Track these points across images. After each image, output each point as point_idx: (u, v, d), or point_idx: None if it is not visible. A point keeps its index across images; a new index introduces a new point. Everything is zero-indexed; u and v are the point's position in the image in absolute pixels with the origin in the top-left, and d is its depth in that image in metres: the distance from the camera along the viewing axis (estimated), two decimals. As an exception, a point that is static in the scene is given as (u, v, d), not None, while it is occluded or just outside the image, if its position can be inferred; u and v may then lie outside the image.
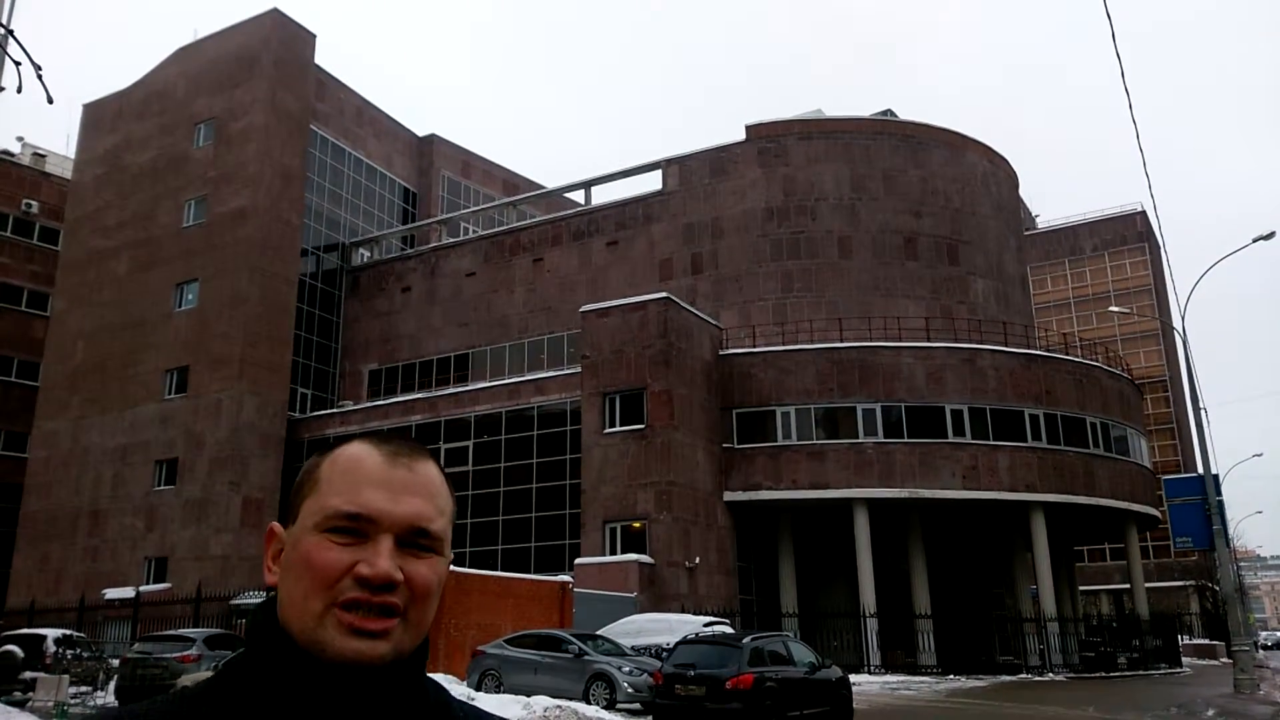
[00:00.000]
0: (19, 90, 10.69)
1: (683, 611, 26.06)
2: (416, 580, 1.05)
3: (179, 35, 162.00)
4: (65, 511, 40.53)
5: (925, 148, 40.22)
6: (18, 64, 10.62)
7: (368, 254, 47.90)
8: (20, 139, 55.66)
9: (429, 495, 1.10)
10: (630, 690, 17.32)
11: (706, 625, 21.29)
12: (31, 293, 50.31)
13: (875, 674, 28.89)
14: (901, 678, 28.41)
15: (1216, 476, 25.27)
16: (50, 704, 16.82)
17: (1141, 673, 32.86)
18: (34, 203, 51.42)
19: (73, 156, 48.98)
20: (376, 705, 1.04)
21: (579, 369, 33.33)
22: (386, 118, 50.80)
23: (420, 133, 52.97)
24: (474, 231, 47.92)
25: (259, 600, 30.00)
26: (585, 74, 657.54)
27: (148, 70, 46.44)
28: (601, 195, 45.08)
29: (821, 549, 35.66)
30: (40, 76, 10.80)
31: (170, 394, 39.83)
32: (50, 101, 11.28)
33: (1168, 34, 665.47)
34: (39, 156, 54.71)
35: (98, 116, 47.01)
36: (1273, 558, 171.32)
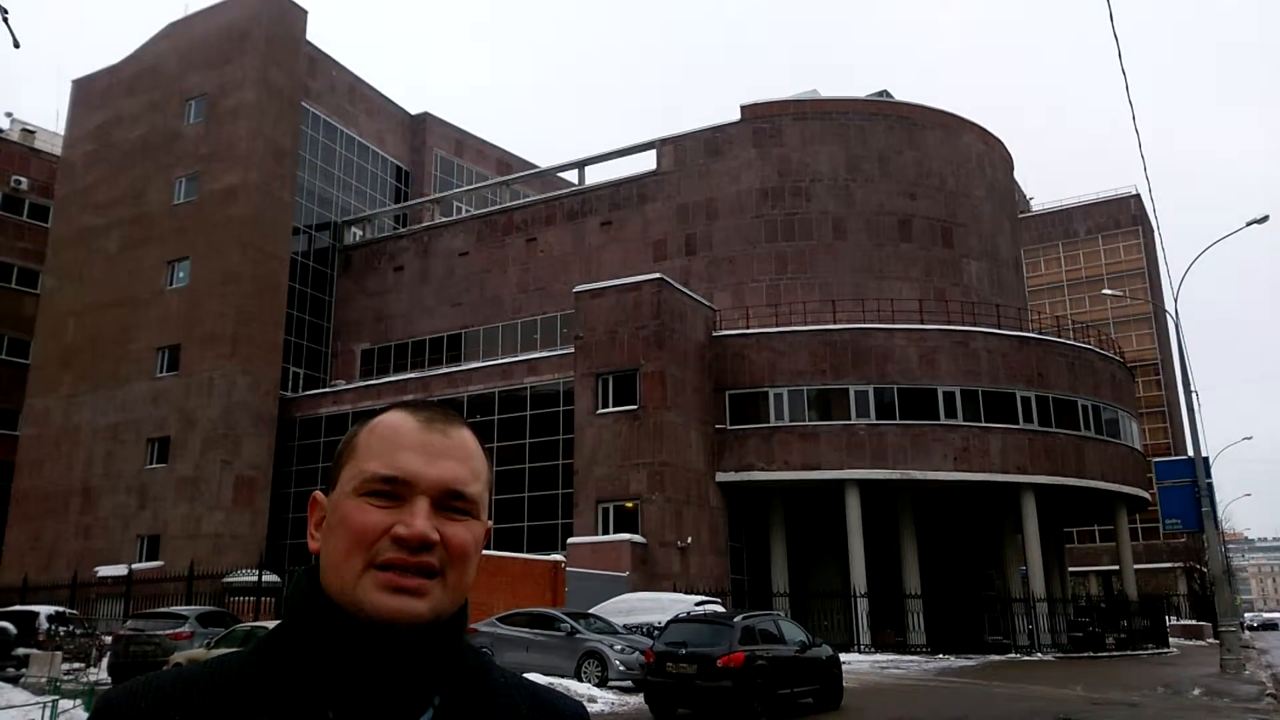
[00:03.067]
0: None
1: (675, 591, 26.19)
2: (453, 542, 1.07)
3: (170, 10, 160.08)
4: (57, 489, 40.45)
5: (921, 129, 40.10)
6: None
7: (360, 233, 47.68)
8: (9, 115, 55.11)
9: (464, 459, 1.12)
10: (622, 668, 17.43)
11: (698, 604, 21.37)
12: (21, 270, 49.95)
13: (865, 653, 29.11)
14: (891, 657, 28.66)
15: (1206, 459, 25.44)
16: (43, 680, 16.86)
17: (1129, 653, 33.15)
18: (23, 179, 50.99)
19: (62, 133, 48.53)
20: (414, 665, 1.05)
21: (572, 349, 33.29)
22: (379, 95, 50.42)
23: (413, 111, 52.62)
24: (467, 211, 47.71)
25: (243, 579, 30.03)
26: (580, 55, 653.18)
27: (138, 45, 46.01)
28: (596, 175, 44.88)
29: (813, 529, 35.82)
30: (6, 20, 10.58)
31: (162, 372, 39.68)
32: (16, 46, 11.03)
33: (1165, 15, 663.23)
34: (28, 132, 54.18)
35: (88, 92, 46.56)
36: (1260, 540, 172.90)
